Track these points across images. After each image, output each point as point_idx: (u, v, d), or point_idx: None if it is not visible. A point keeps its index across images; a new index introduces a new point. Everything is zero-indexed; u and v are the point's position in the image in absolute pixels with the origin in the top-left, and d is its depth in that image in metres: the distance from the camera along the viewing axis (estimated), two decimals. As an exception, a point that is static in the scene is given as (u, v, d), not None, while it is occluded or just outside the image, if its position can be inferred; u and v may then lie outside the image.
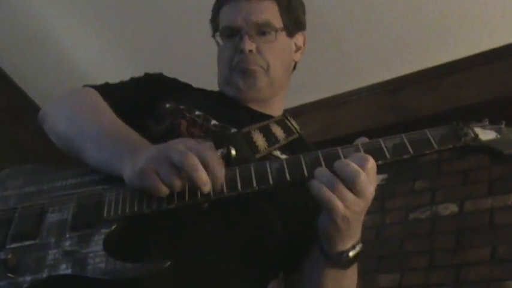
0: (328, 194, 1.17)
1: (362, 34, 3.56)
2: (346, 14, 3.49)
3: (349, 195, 1.18)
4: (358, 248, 1.30)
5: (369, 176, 1.19)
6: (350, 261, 1.31)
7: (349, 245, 1.28)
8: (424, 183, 3.92)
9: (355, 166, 1.17)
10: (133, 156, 1.22)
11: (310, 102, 3.99)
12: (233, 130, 1.54)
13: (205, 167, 1.16)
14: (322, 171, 1.20)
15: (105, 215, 1.22)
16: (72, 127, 1.45)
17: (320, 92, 3.99)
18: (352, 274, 1.40)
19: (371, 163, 1.19)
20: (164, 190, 1.17)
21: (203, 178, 1.16)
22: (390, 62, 3.69)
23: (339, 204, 1.17)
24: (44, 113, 1.57)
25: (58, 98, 1.60)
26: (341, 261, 1.30)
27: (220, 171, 1.19)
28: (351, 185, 1.17)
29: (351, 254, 1.29)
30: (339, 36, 3.59)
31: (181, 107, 1.59)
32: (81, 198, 1.28)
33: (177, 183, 1.17)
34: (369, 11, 3.45)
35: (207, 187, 1.17)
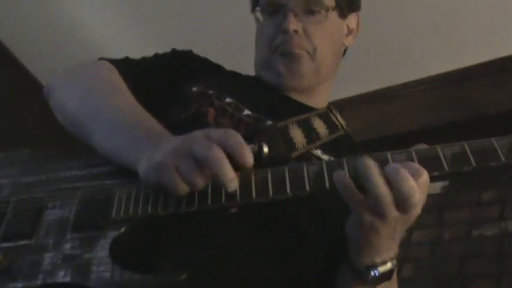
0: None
1: (422, 17, 3.53)
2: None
3: (394, 210, 1.14)
4: (390, 265, 1.26)
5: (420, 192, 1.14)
6: (378, 279, 1.27)
7: (378, 260, 1.25)
8: (493, 193, 3.87)
9: (413, 183, 1.12)
10: (153, 147, 1.19)
11: (360, 94, 3.98)
12: (268, 122, 1.51)
13: (232, 155, 1.13)
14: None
15: (113, 215, 1.20)
16: (83, 106, 1.42)
17: (372, 83, 3.98)
18: None
19: (424, 178, 1.14)
20: (184, 188, 1.13)
21: (229, 174, 1.11)
22: (454, 51, 3.66)
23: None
24: (51, 86, 1.56)
25: (69, 71, 1.59)
26: (368, 277, 1.26)
27: (250, 159, 1.15)
28: (402, 200, 1.13)
29: (381, 269, 1.26)
30: (396, 19, 3.56)
31: (211, 92, 1.56)
32: (87, 194, 1.26)
33: (199, 182, 1.13)
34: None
35: (233, 183, 1.12)
